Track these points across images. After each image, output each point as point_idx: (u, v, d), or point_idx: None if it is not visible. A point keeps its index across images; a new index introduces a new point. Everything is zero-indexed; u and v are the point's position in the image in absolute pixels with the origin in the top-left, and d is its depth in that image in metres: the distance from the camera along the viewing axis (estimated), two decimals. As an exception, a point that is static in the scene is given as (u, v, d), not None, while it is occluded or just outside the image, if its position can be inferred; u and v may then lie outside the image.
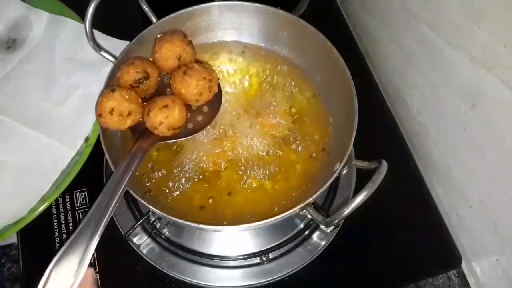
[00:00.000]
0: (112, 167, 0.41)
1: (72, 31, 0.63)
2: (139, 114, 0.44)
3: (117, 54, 0.49)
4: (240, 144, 0.51)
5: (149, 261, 0.51)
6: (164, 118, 0.42)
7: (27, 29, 0.64)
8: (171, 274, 0.51)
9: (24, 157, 0.55)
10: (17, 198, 0.52)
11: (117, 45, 0.54)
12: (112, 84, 0.46)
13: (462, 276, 0.56)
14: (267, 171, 0.49)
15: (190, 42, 0.48)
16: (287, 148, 0.51)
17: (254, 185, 0.48)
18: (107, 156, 0.42)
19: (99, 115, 0.42)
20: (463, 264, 0.55)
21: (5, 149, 0.55)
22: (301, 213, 0.41)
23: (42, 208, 0.52)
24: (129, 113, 0.42)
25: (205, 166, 0.49)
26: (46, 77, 0.61)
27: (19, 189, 0.53)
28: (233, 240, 0.53)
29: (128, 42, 0.51)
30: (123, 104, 0.42)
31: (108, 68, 0.48)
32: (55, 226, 0.54)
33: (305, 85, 0.55)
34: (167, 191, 0.47)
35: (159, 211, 0.39)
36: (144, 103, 0.45)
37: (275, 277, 0.51)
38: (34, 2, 0.66)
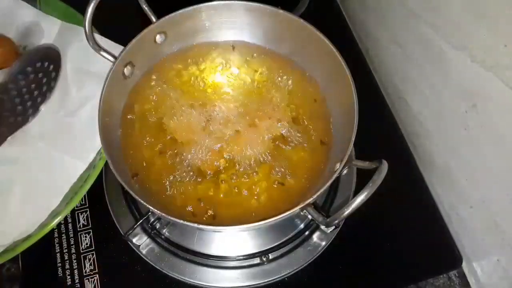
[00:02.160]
0: (112, 167, 0.41)
1: (84, 40, 0.61)
2: None
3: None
4: (239, 144, 0.51)
5: (149, 261, 0.51)
6: None
7: (39, 36, 0.61)
8: (170, 275, 0.51)
9: (33, 171, 0.53)
10: (25, 213, 0.50)
11: (116, 48, 0.52)
12: (110, 84, 0.46)
13: (462, 276, 0.56)
14: (267, 171, 0.49)
15: None
16: (287, 148, 0.51)
17: (252, 185, 0.48)
18: (107, 156, 0.42)
19: None
20: (464, 265, 0.55)
21: (13, 162, 0.53)
22: (301, 213, 0.41)
23: (53, 223, 0.50)
24: None
25: (202, 164, 0.49)
26: (58, 88, 0.58)
27: (28, 204, 0.51)
28: (233, 240, 0.53)
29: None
30: None
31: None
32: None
33: (305, 85, 0.54)
34: (162, 187, 0.47)
35: (158, 211, 0.39)
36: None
37: (275, 277, 0.51)
38: (46, 8, 0.63)
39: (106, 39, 0.58)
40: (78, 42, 0.60)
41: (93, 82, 0.57)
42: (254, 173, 0.49)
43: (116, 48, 0.56)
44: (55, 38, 0.61)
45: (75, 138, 0.55)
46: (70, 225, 0.54)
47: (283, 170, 0.49)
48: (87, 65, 0.59)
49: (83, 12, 0.46)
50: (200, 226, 0.39)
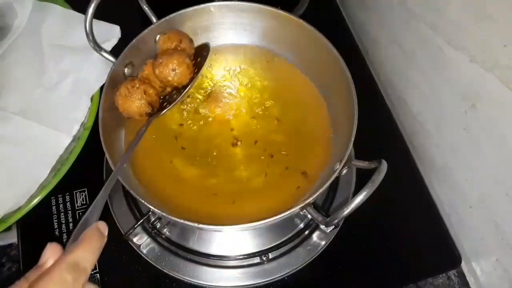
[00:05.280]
0: (112, 166, 0.41)
1: (58, 17, 0.63)
2: None
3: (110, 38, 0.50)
4: (240, 142, 0.51)
5: (149, 261, 0.51)
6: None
7: (12, 17, 0.63)
8: (171, 274, 0.51)
9: (19, 147, 0.54)
10: (14, 187, 0.52)
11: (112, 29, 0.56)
12: (113, 82, 0.47)
13: (462, 276, 0.56)
14: (267, 172, 0.49)
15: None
16: (287, 149, 0.51)
17: (251, 185, 0.49)
18: (107, 155, 0.42)
19: None
20: (463, 264, 0.55)
21: None
22: (301, 213, 0.41)
23: (42, 195, 0.52)
24: None
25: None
26: (35, 65, 0.60)
27: (16, 178, 0.53)
28: (233, 239, 0.53)
29: (118, 26, 0.55)
30: None
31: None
32: (55, 226, 0.54)
33: (305, 84, 0.55)
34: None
35: (159, 211, 0.39)
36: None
37: (275, 277, 0.51)
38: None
39: (101, 21, 0.60)
40: (52, 19, 0.62)
41: (70, 55, 0.60)
42: (254, 174, 0.49)
43: (112, 30, 0.61)
44: (28, 17, 0.63)
45: (57, 111, 0.57)
46: (71, 224, 0.54)
47: (283, 170, 0.49)
48: (63, 40, 0.61)
49: (83, 12, 0.46)
50: (200, 225, 0.39)
